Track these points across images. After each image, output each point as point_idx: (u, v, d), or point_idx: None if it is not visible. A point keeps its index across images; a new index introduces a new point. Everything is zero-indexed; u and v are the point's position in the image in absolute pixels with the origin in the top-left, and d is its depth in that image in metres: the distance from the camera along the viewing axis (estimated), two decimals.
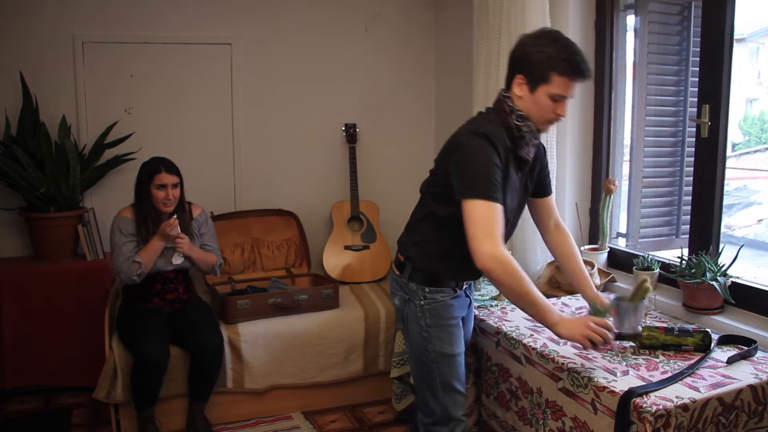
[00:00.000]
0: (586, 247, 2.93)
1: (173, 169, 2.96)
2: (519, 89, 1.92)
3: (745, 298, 2.29)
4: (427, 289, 2.05)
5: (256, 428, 3.05)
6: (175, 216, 2.91)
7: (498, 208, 1.83)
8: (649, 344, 2.05)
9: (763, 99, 3.31)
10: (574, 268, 2.18)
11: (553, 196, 2.23)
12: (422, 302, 2.05)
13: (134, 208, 2.97)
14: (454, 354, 2.06)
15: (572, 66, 1.84)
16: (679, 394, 1.74)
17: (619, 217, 3.04)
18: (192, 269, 3.12)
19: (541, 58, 1.85)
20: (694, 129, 2.46)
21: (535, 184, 2.14)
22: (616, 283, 2.76)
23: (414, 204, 2.19)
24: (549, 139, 2.85)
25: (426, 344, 2.06)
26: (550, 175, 2.26)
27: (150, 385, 2.78)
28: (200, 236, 3.10)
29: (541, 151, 2.13)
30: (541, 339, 2.15)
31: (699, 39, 2.40)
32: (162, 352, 2.79)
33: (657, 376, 1.85)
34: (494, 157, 1.87)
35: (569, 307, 2.49)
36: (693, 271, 2.32)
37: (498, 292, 2.75)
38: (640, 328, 2.01)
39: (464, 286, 2.14)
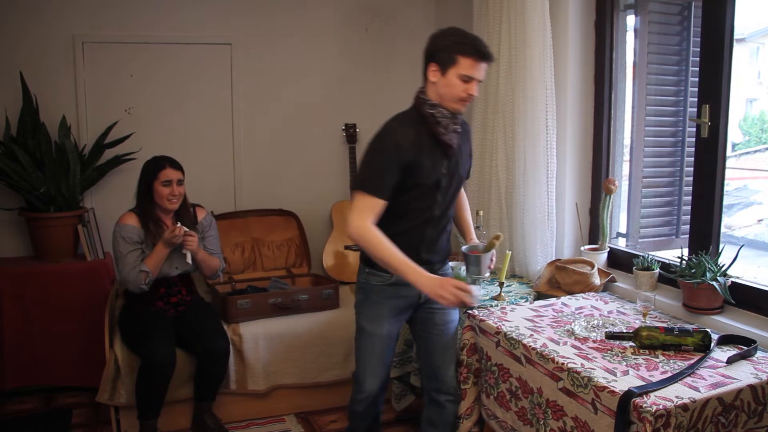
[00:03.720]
0: (586, 247, 2.93)
1: (177, 165, 2.94)
2: (432, 75, 2.18)
3: (745, 298, 2.29)
4: (367, 270, 2.33)
5: (246, 430, 3.05)
6: (179, 224, 2.86)
7: (375, 201, 2.14)
8: (649, 344, 2.05)
9: (763, 99, 3.31)
10: (459, 215, 2.54)
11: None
12: (361, 280, 2.36)
13: (137, 213, 2.91)
14: (369, 331, 2.33)
15: (474, 48, 2.12)
16: (679, 394, 1.74)
17: (619, 217, 3.04)
18: (194, 272, 3.10)
19: (447, 44, 2.13)
20: (694, 129, 2.46)
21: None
22: (616, 283, 2.76)
23: None
24: (549, 138, 2.86)
25: (357, 317, 2.39)
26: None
27: (157, 389, 2.77)
28: (203, 240, 3.05)
29: (464, 139, 2.33)
30: (541, 339, 2.15)
31: (699, 39, 2.40)
32: (170, 354, 2.78)
33: (657, 376, 1.85)
34: (388, 158, 2.14)
35: (569, 307, 2.49)
36: (693, 271, 2.32)
37: (498, 293, 2.75)
38: (485, 274, 2.32)
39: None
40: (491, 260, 2.38)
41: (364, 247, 2.16)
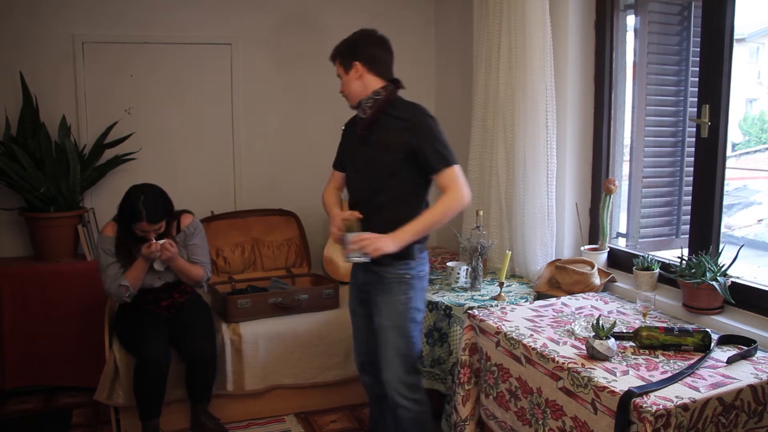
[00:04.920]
0: (586, 247, 2.93)
1: (157, 217, 2.74)
2: None
3: (745, 298, 2.29)
4: None
5: (246, 430, 3.05)
6: (154, 240, 2.74)
7: (332, 173, 2.65)
8: (649, 344, 2.05)
9: (763, 99, 3.31)
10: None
11: (442, 174, 2.30)
12: None
13: (117, 224, 2.83)
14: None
15: None
16: (679, 394, 1.74)
17: (619, 217, 3.03)
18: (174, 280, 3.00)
19: None
20: (694, 129, 2.46)
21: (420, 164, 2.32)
22: (616, 283, 2.76)
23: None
24: (549, 138, 2.86)
25: None
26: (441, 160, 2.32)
27: (154, 387, 2.76)
28: (186, 248, 2.93)
29: (386, 131, 2.33)
30: (541, 339, 2.15)
31: (699, 39, 2.40)
32: (164, 352, 2.77)
33: (657, 376, 1.85)
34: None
35: (569, 307, 2.49)
36: (693, 271, 2.32)
37: (498, 292, 2.75)
38: (351, 258, 2.28)
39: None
40: (353, 243, 2.25)
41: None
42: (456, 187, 2.26)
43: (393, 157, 2.31)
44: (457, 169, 2.28)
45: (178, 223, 2.95)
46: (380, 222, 2.29)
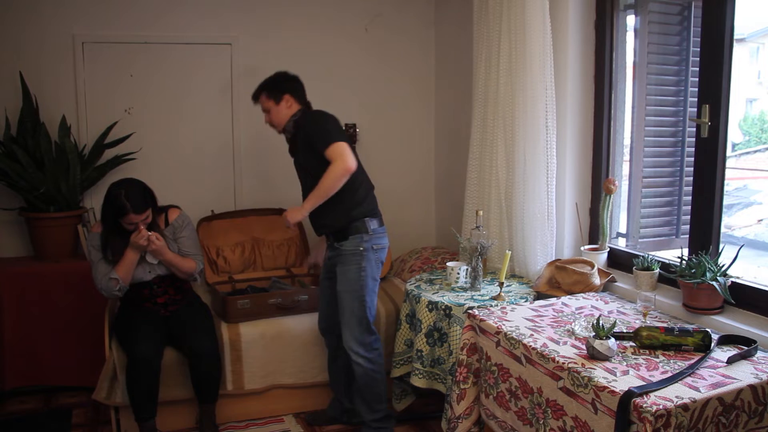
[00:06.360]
0: (586, 247, 2.93)
1: (141, 206, 2.75)
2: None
3: (745, 298, 2.29)
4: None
5: (246, 431, 3.05)
6: (143, 227, 2.76)
7: None
8: (649, 344, 2.05)
9: (763, 99, 3.31)
10: None
11: (327, 151, 2.74)
12: None
13: (102, 224, 2.85)
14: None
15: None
16: (679, 394, 1.74)
17: (619, 217, 3.04)
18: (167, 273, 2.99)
19: None
20: (694, 129, 2.46)
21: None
22: (616, 283, 2.76)
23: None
24: (549, 138, 2.86)
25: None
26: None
27: (146, 386, 2.75)
28: (176, 241, 2.95)
29: (299, 142, 2.86)
30: (541, 339, 2.15)
31: (699, 39, 2.40)
32: (151, 350, 2.75)
33: (657, 376, 1.85)
34: None
35: (569, 307, 2.49)
36: (693, 271, 2.32)
37: (498, 292, 2.75)
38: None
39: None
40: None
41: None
42: (339, 158, 2.63)
43: (308, 159, 2.78)
44: (340, 145, 2.65)
45: (166, 217, 2.97)
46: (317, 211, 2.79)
